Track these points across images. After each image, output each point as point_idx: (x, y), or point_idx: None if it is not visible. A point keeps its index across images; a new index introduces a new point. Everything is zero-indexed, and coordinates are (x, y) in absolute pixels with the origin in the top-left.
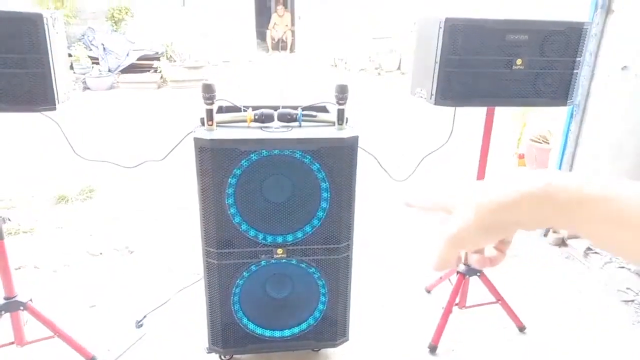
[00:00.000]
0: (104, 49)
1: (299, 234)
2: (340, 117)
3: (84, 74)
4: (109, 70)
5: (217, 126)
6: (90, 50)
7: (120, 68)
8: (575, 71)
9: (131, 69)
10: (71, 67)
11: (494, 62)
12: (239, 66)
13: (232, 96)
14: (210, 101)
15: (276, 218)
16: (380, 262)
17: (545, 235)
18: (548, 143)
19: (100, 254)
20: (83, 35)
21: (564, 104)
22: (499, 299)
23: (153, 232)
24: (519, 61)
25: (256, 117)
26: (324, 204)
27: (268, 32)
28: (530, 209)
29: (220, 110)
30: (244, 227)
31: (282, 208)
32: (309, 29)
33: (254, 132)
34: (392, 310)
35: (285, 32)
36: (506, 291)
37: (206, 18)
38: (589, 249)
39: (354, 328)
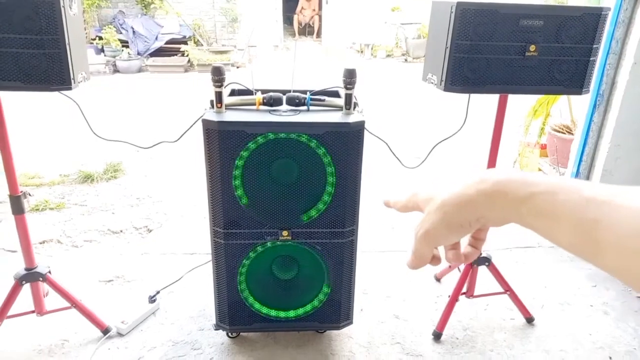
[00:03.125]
0: (134, 32)
1: (304, 217)
2: (348, 102)
3: (114, 57)
4: (138, 54)
5: (226, 109)
6: (121, 33)
7: (149, 51)
8: (592, 58)
9: (159, 52)
10: (102, 50)
11: (506, 48)
12: (265, 51)
13: (253, 80)
14: (220, 84)
15: (282, 200)
16: (391, 248)
17: None
18: (572, 133)
19: (121, 231)
20: (114, 19)
21: (579, 92)
22: (507, 289)
23: (173, 212)
24: (532, 47)
25: (265, 100)
26: (329, 188)
27: (295, 17)
28: (486, 205)
29: (233, 93)
30: (250, 208)
31: (289, 191)
32: (335, 14)
33: (262, 115)
34: (399, 296)
35: (312, 17)
36: (519, 282)
37: (235, 2)
38: None
39: (360, 312)
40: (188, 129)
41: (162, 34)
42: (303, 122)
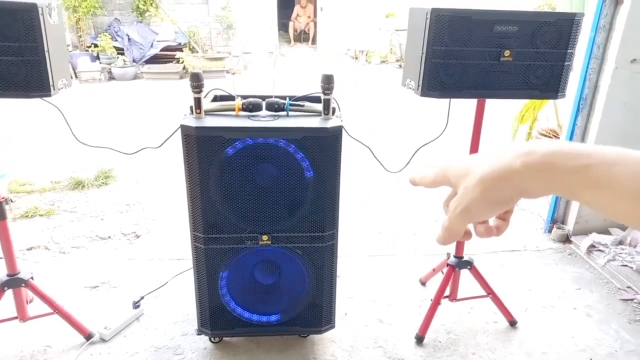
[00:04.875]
0: (129, 39)
1: (284, 222)
2: (326, 107)
3: (109, 64)
4: (134, 61)
5: (205, 114)
6: (116, 40)
7: (145, 59)
8: (566, 63)
9: (155, 59)
10: (97, 58)
11: (481, 53)
12: (260, 57)
13: (234, 86)
14: (198, 90)
15: (262, 205)
16: (378, 252)
17: (550, 231)
18: (558, 137)
19: (109, 237)
20: (109, 26)
21: (555, 96)
22: (490, 292)
23: (161, 218)
24: (507, 53)
25: (244, 106)
26: (308, 193)
27: (291, 24)
28: (532, 178)
29: (216, 99)
30: (229, 213)
31: (268, 195)
32: (330, 20)
33: (241, 121)
34: (384, 300)
35: (307, 24)
36: (504, 285)
37: (230, 9)
38: (592, 246)
39: (344, 316)
40: (171, 135)
41: (158, 41)
42: (281, 127)
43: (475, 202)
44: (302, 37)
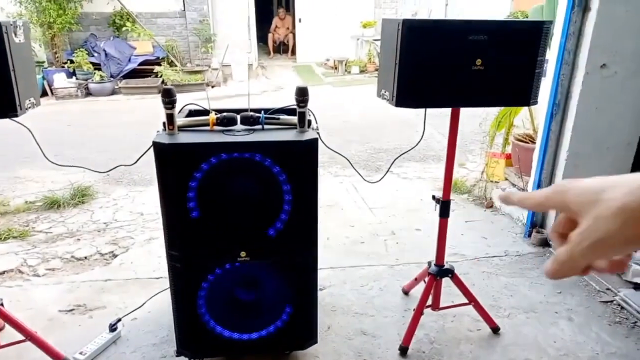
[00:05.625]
0: (106, 54)
1: (262, 236)
2: (301, 120)
3: (86, 80)
4: (111, 76)
5: (179, 130)
6: (93, 56)
7: (122, 73)
8: (537, 70)
9: (133, 74)
10: (74, 74)
11: (453, 63)
12: (239, 70)
13: (209, 100)
14: (170, 105)
15: (240, 221)
16: (360, 263)
17: (529, 235)
18: (534, 143)
19: (85, 258)
20: (86, 42)
21: (527, 103)
22: (472, 300)
23: (140, 236)
24: (478, 61)
25: (218, 120)
26: (286, 207)
27: (270, 36)
28: None
29: (190, 114)
30: (206, 230)
31: (246, 211)
32: (309, 31)
33: (215, 136)
34: (367, 312)
35: (286, 35)
36: (486, 292)
37: (208, 22)
38: None
39: (327, 330)
40: (145, 152)
41: (135, 55)
42: (255, 142)
43: (612, 236)
44: (282, 48)
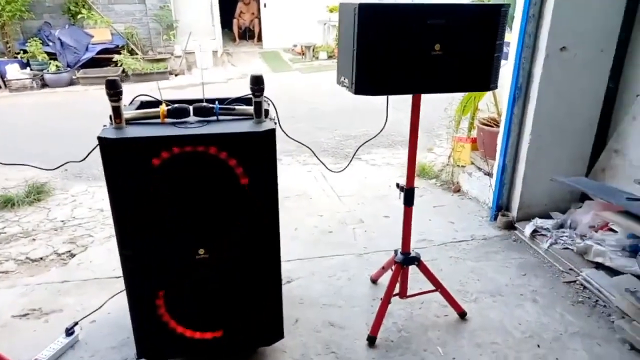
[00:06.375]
0: (62, 43)
1: (221, 232)
2: (258, 110)
3: (41, 71)
4: (68, 66)
5: (127, 124)
6: (48, 45)
7: (80, 63)
8: (496, 54)
9: (91, 63)
10: (28, 64)
11: (411, 48)
12: (204, 57)
13: (160, 90)
14: (116, 97)
15: (196, 216)
16: (328, 253)
17: (495, 219)
18: (498, 126)
19: (41, 259)
20: (39, 31)
21: (487, 88)
22: (438, 286)
23: (99, 234)
24: (437, 46)
25: (169, 112)
26: (244, 201)
27: (235, 21)
28: None
29: (142, 105)
30: (161, 227)
31: (202, 206)
32: (274, 17)
33: (165, 129)
34: (335, 303)
35: (252, 21)
36: (453, 277)
37: (169, 8)
38: (535, 231)
39: (294, 323)
40: (94, 148)
41: (93, 44)
42: (207, 134)
43: None
44: (247, 34)
